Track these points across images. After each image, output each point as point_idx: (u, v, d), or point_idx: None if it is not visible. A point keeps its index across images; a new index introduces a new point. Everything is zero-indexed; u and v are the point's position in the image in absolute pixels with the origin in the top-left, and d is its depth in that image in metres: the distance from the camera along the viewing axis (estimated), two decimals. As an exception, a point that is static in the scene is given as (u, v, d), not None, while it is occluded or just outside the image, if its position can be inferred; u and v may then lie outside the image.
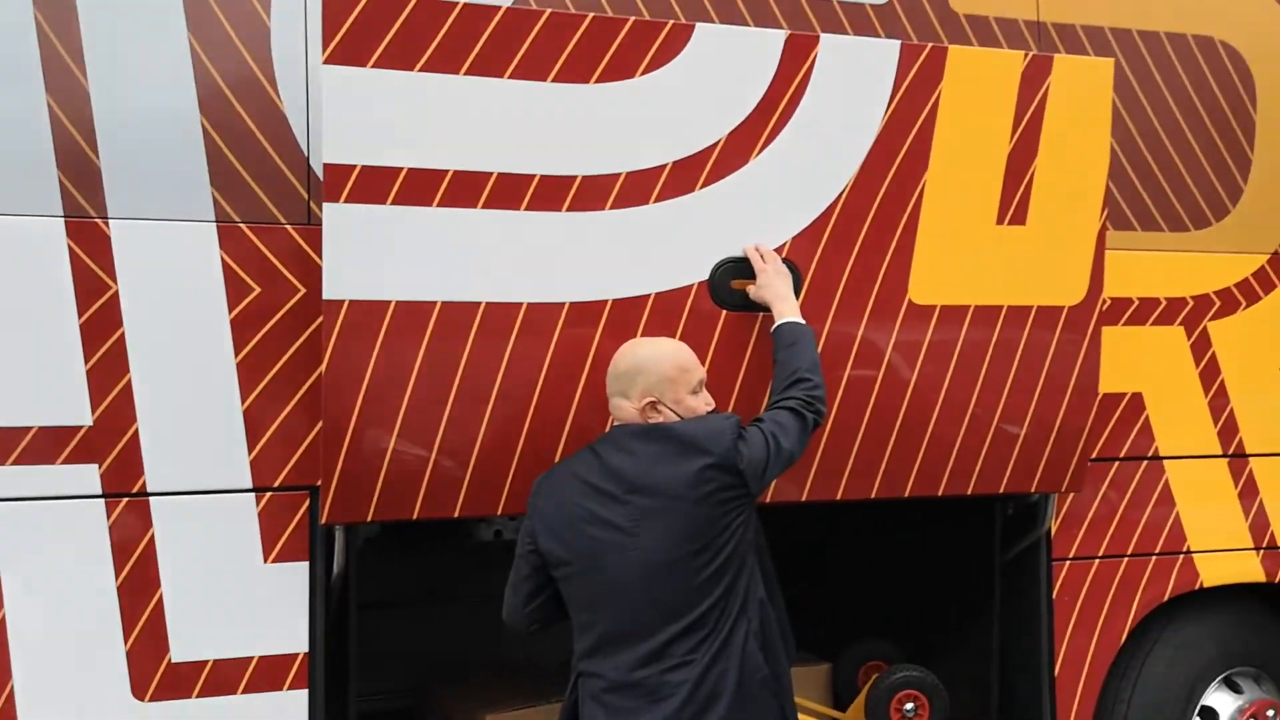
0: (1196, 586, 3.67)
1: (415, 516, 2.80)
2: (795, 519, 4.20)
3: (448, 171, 2.69)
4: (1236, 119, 3.75)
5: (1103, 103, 3.25)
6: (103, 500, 2.70)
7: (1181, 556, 3.66)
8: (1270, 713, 3.73)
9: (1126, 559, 3.60)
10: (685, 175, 2.88)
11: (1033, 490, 3.33)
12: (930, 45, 3.07)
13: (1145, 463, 3.63)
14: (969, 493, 3.25)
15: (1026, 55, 3.16)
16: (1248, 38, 3.76)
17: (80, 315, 2.67)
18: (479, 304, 2.75)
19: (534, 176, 2.75)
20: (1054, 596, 3.51)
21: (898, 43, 3.04)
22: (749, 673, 2.52)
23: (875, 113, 3.04)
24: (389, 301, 2.67)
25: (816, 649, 4.11)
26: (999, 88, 3.14)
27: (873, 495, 3.14)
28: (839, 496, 3.11)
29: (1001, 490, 3.28)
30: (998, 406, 3.20)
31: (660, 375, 2.63)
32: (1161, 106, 3.66)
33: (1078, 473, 3.34)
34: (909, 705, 3.55)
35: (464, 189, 2.70)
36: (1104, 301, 3.38)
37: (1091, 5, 3.59)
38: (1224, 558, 3.71)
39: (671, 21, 2.88)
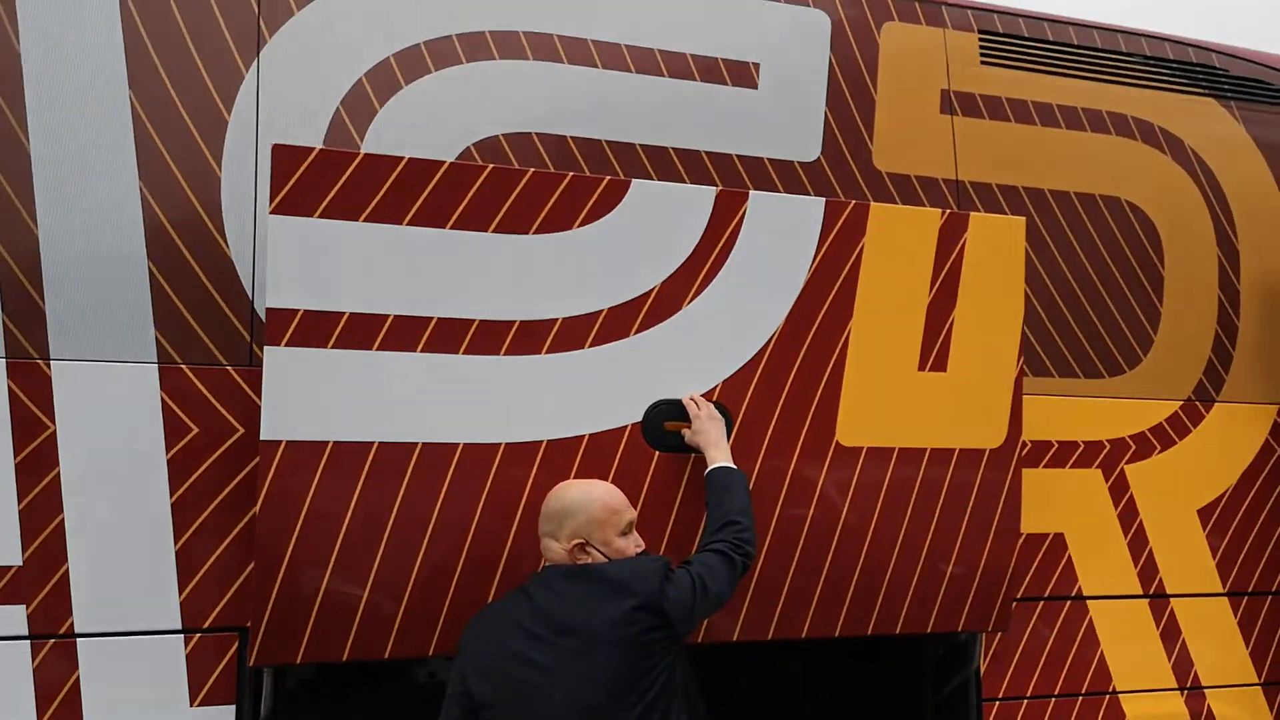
0: (1121, 725, 3.72)
1: (345, 659, 2.79)
2: (732, 659, 4.22)
3: (389, 316, 2.77)
4: (1145, 273, 3.96)
5: (1017, 257, 3.43)
6: (28, 642, 2.67)
7: (1108, 696, 3.71)
8: None
9: (1054, 699, 3.65)
10: (620, 321, 2.99)
11: (959, 629, 3.39)
12: (853, 202, 3.24)
13: (1069, 603, 3.71)
14: (897, 632, 3.30)
15: (944, 213, 3.34)
16: (1152, 198, 4.00)
17: (16, 454, 2.69)
18: (416, 444, 2.80)
19: (473, 321, 2.85)
20: (984, 736, 3.55)
21: (822, 200, 3.21)
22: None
23: (802, 264, 3.18)
24: (326, 442, 2.72)
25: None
26: (919, 242, 3.32)
27: (803, 635, 3.18)
28: (770, 636, 3.15)
29: (929, 629, 3.34)
30: (924, 546, 3.29)
31: (589, 517, 2.69)
32: (1074, 261, 3.86)
33: (1003, 612, 3.41)
34: None
35: (404, 333, 2.78)
36: (1024, 444, 3.51)
37: (1006, 166, 3.81)
38: (1149, 698, 3.77)
39: (608, 177, 3.02)
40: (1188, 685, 3.82)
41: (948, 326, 3.34)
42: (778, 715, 4.35)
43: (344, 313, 2.73)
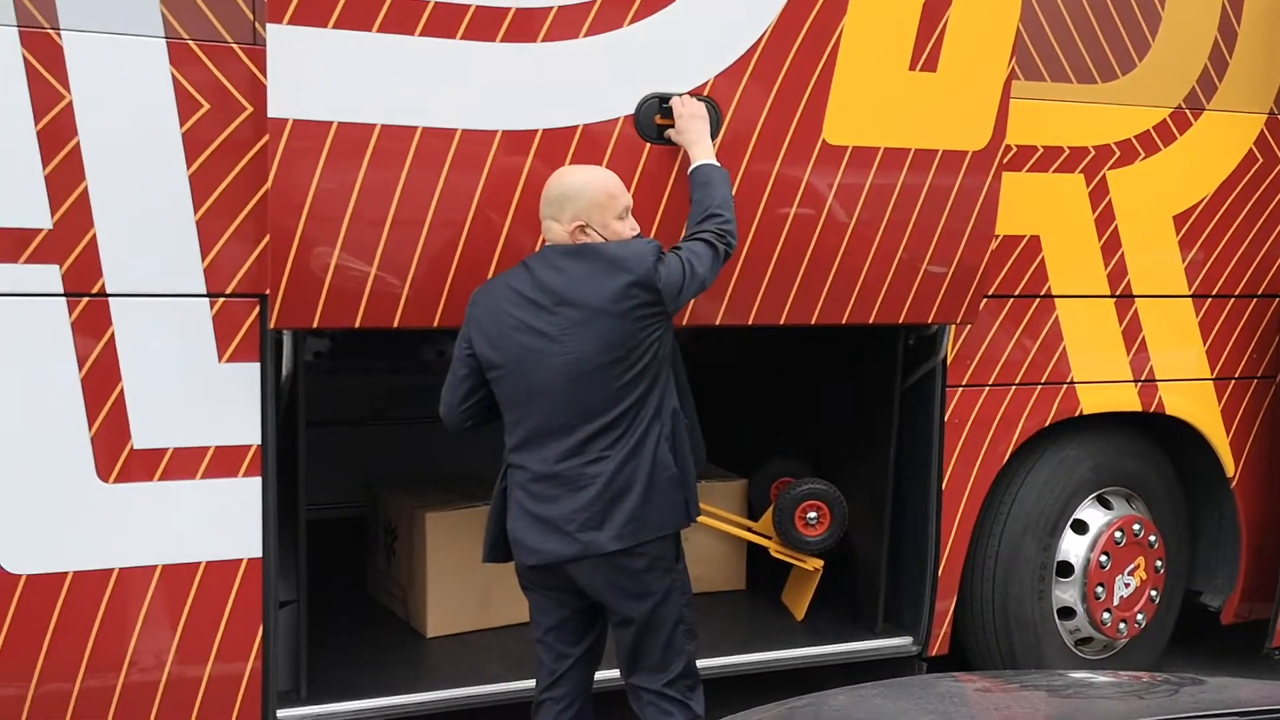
0: (1077, 413, 4.02)
1: (357, 325, 3.04)
2: (725, 344, 4.51)
3: (387, -2, 2.84)
4: (1148, -25, 3.93)
5: (1016, -48, 3.43)
6: (64, 299, 2.91)
7: (1065, 386, 4.00)
8: (1136, 527, 4.14)
9: (1014, 387, 3.93)
10: (614, 11, 3.05)
11: (930, 321, 3.63)
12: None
13: (1038, 300, 3.93)
14: (871, 321, 3.53)
15: (946, -95, 3.30)
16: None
17: (36, 122, 2.82)
18: (416, 128, 2.93)
19: (469, 7, 2.91)
20: (946, 418, 3.85)
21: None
22: (659, 470, 2.84)
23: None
24: (330, 123, 2.85)
25: (736, 466, 4.47)
26: (917, -63, 3.31)
27: (781, 322, 3.42)
28: (750, 322, 3.38)
29: (901, 320, 3.57)
30: (901, 243, 3.46)
31: (590, 200, 2.86)
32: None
33: (972, 306, 3.63)
34: (811, 514, 3.92)
35: (402, 15, 2.85)
36: (1009, 148, 3.61)
37: None
38: (1104, 388, 4.06)
39: None
40: (1142, 378, 4.10)
41: (941, 25, 3.37)
42: (764, 400, 4.70)
43: (342, -9, 2.79)
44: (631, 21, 3.07)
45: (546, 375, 2.79)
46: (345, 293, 2.99)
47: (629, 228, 2.92)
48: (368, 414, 5.51)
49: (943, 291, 3.56)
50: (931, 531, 3.86)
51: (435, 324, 3.11)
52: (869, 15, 3.29)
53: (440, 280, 3.06)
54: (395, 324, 3.08)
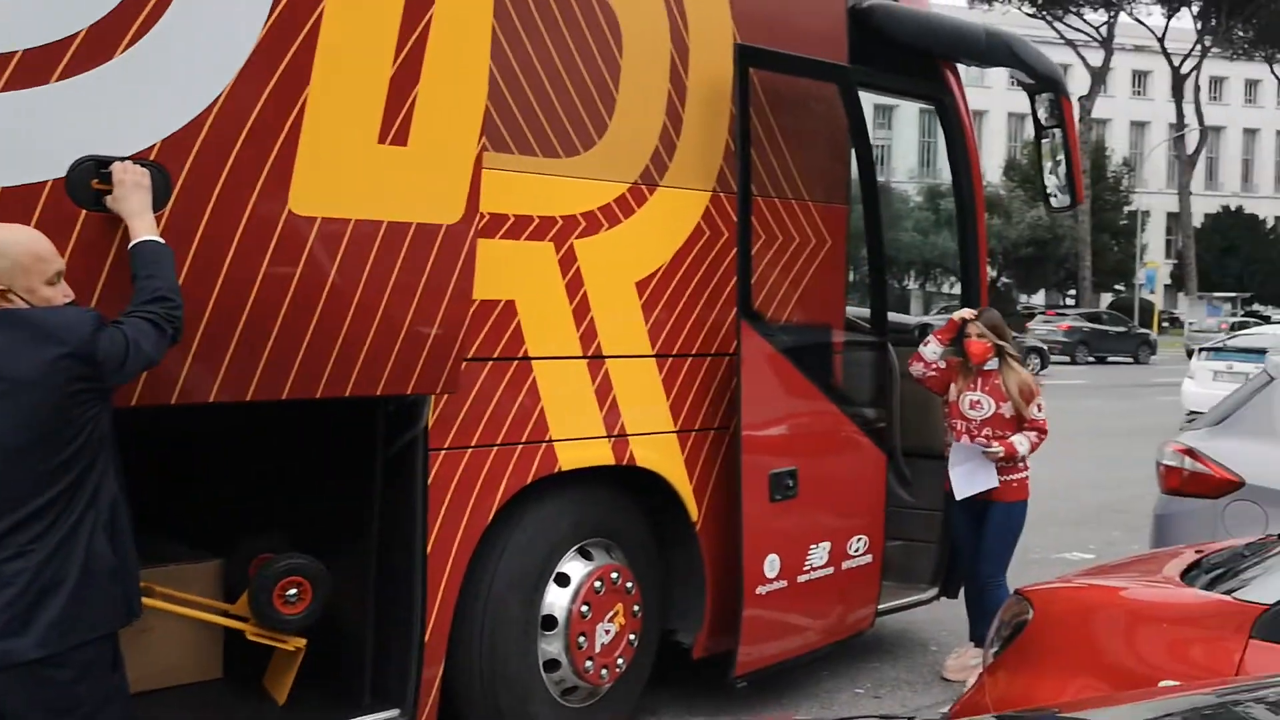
0: (556, 470, 4.20)
1: None
2: (182, 416, 4.23)
3: None
4: (604, 61, 4.24)
5: (482, 35, 3.55)
6: None
7: (545, 444, 4.17)
8: (614, 575, 4.39)
9: (496, 448, 4.04)
10: (41, 63, 2.77)
11: (409, 391, 3.63)
12: (312, -39, 3.16)
13: (516, 362, 4.07)
14: (347, 394, 3.46)
15: (409, -17, 3.34)
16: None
17: None
18: None
19: None
20: (430, 482, 3.86)
21: (278, -44, 3.10)
22: (94, 563, 2.60)
23: (257, 17, 3.09)
24: None
25: (213, 545, 4.20)
26: (384, 12, 3.32)
27: (248, 398, 3.26)
28: (212, 399, 3.20)
29: (380, 392, 3.54)
30: (376, 314, 3.42)
31: (13, 262, 2.59)
32: (539, 44, 4.04)
33: (452, 375, 3.68)
34: (291, 591, 3.76)
35: None
36: (483, 216, 3.72)
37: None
38: (581, 445, 4.28)
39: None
40: (615, 434, 4.37)
41: (410, 100, 3.40)
42: (240, 475, 4.47)
43: None
44: (61, 77, 2.80)
45: None
46: None
47: (61, 294, 2.67)
48: None
49: (422, 361, 3.58)
50: (417, 599, 3.85)
51: None
52: (334, 86, 3.25)
53: None
54: None
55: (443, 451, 3.90)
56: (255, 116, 3.12)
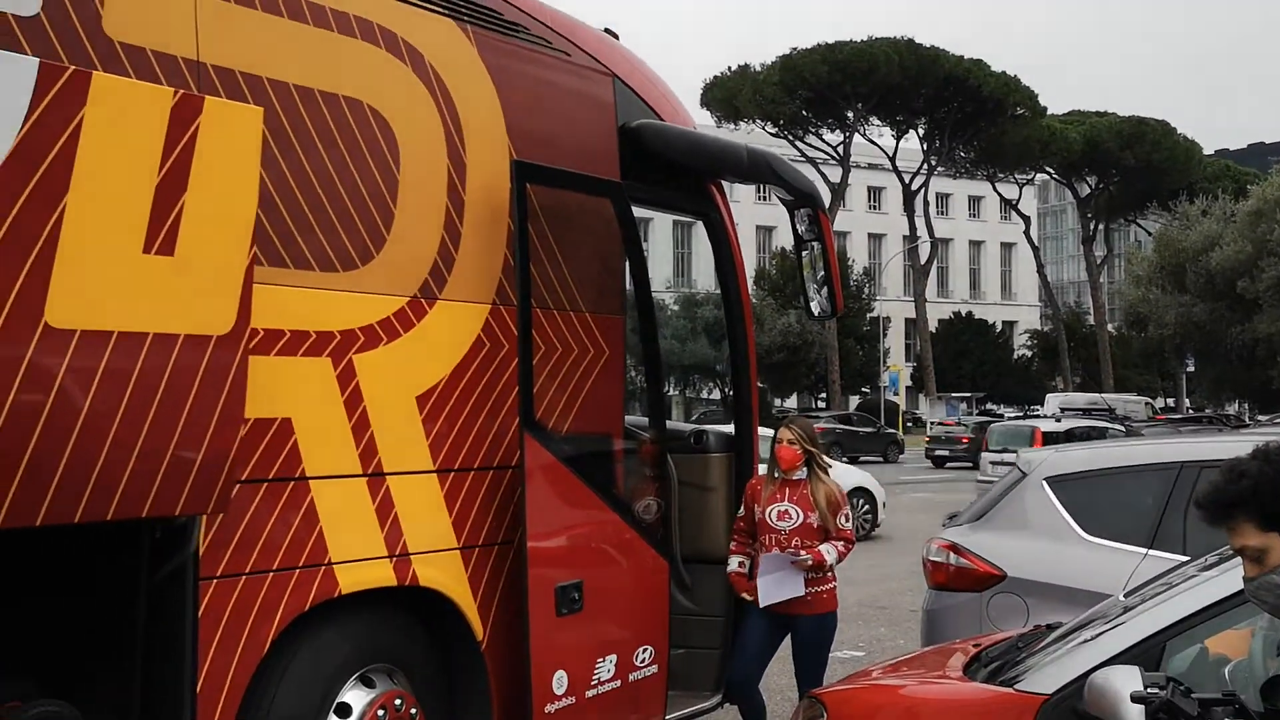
0: (336, 594, 4.02)
1: None
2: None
3: None
4: (381, 176, 4.22)
5: (252, 146, 3.46)
6: None
7: (324, 568, 3.99)
8: (398, 702, 4.21)
9: (272, 573, 3.84)
10: None
11: (177, 513, 3.42)
12: (73, 68, 3.03)
13: (293, 483, 3.91)
14: (109, 518, 3.23)
15: (176, 92, 3.25)
16: (392, 105, 4.26)
17: None
18: None
19: None
20: (201, 612, 3.62)
21: (36, 60, 2.96)
22: None
23: (9, 127, 2.92)
24: None
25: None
26: (148, 120, 3.20)
27: (-3, 527, 2.99)
28: (-49, 530, 2.92)
29: (145, 514, 3.32)
30: (141, 432, 3.23)
31: None
32: (315, 157, 3.99)
33: (223, 495, 3.49)
34: (44, 742, 3.42)
35: None
36: (256, 332, 3.58)
37: (250, 55, 3.80)
38: (361, 566, 4.12)
39: None
40: (397, 553, 4.23)
41: (178, 210, 3.28)
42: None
43: None
44: None
45: None
46: None
47: None
48: None
49: (191, 479, 3.38)
50: (186, 741, 3.57)
51: None
52: (95, 194, 3.09)
53: None
54: None
55: (215, 579, 3.68)
56: (9, 223, 2.92)
